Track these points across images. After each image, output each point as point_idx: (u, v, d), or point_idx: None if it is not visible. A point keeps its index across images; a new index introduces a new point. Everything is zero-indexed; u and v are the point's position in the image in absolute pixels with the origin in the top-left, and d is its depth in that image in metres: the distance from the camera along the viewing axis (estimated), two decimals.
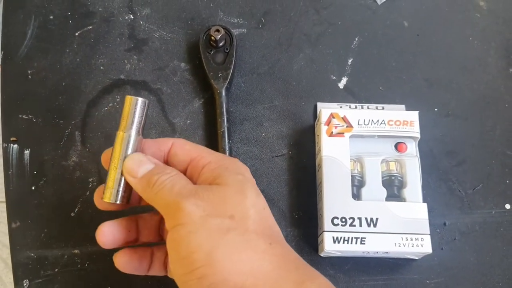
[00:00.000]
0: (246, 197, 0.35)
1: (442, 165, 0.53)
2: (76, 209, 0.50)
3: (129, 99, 0.39)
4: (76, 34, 0.57)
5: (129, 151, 0.38)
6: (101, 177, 0.51)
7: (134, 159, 0.37)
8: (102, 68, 0.56)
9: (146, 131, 0.53)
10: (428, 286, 0.48)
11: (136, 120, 0.39)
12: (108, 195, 0.39)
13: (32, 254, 0.49)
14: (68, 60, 0.56)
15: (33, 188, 0.51)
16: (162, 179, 0.35)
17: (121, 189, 0.39)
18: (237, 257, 0.32)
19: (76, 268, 0.48)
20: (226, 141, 0.51)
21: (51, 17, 0.58)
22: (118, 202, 0.39)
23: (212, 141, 0.53)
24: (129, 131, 0.38)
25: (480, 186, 0.52)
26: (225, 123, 0.52)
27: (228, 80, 0.53)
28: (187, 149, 0.39)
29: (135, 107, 0.39)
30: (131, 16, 0.58)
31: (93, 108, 0.54)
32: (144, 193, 0.37)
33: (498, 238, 0.50)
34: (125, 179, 0.38)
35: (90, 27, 0.58)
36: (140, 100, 0.39)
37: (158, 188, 0.35)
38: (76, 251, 0.49)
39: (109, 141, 0.52)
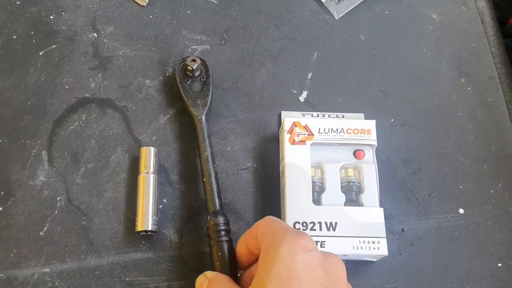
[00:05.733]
0: None
1: (399, 173, 0.56)
2: (45, 228, 0.51)
3: (144, 149, 0.52)
4: (40, 53, 0.58)
5: (151, 187, 0.50)
6: (69, 195, 0.52)
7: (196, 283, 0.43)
8: (67, 87, 0.57)
9: (111, 148, 0.54)
10: None
11: (152, 164, 0.52)
12: (139, 225, 0.49)
13: (2, 275, 0.49)
14: (32, 80, 0.57)
15: (0, 208, 0.51)
16: None
17: (150, 218, 0.49)
18: None
19: (47, 287, 0.49)
20: (211, 166, 0.51)
21: (14, 36, 0.58)
22: (149, 228, 0.49)
23: (180, 158, 0.54)
24: (148, 172, 0.51)
25: (436, 192, 0.55)
26: (208, 148, 0.52)
27: (207, 107, 0.54)
28: (262, 232, 0.39)
29: (150, 154, 0.52)
30: (95, 34, 0.59)
31: (59, 127, 0.55)
32: None
33: (453, 241, 0.53)
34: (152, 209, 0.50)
35: (54, 46, 0.58)
36: (152, 149, 0.52)
37: None
38: (46, 269, 0.49)
39: (76, 160, 0.53)
